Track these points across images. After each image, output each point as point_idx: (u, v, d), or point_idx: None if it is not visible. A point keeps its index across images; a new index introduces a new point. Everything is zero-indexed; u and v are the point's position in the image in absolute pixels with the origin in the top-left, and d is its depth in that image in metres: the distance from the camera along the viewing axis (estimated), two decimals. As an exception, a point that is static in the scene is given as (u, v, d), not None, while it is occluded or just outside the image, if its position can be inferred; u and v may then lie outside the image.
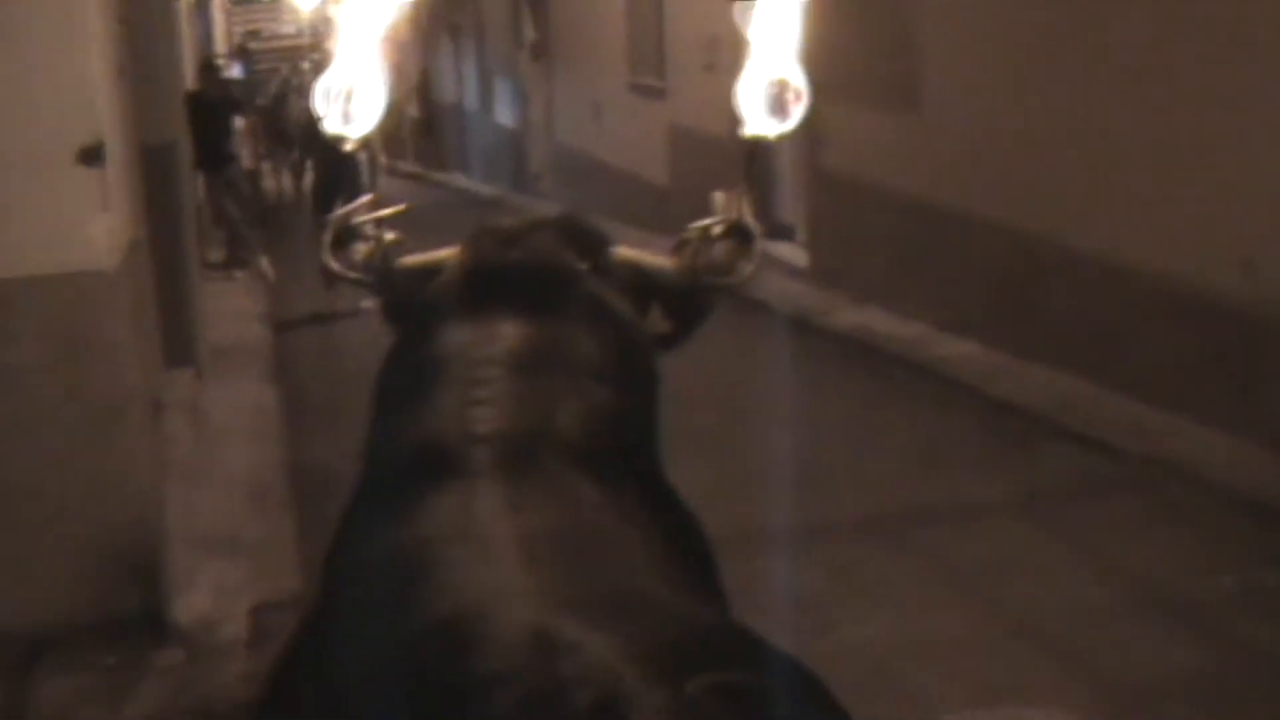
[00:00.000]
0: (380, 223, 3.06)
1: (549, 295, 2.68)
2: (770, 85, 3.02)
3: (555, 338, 2.60)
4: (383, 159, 27.23)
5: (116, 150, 5.90)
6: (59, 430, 5.37)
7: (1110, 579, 6.21)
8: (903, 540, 6.72)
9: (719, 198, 3.16)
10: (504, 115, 24.79)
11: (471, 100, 27.22)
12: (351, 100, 2.96)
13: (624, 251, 3.04)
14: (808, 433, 8.26)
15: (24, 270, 5.23)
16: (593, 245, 2.94)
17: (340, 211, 3.07)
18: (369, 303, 12.12)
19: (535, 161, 22.58)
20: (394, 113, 31.41)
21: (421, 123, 30.93)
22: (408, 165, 29.79)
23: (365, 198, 3.11)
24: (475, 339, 2.57)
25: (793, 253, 13.18)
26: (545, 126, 21.84)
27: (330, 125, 2.99)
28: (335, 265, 3.05)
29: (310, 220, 14.02)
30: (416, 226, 3.16)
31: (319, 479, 7.33)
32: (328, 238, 3.06)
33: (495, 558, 2.02)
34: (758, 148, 3.11)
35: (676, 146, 15.70)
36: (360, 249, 3.07)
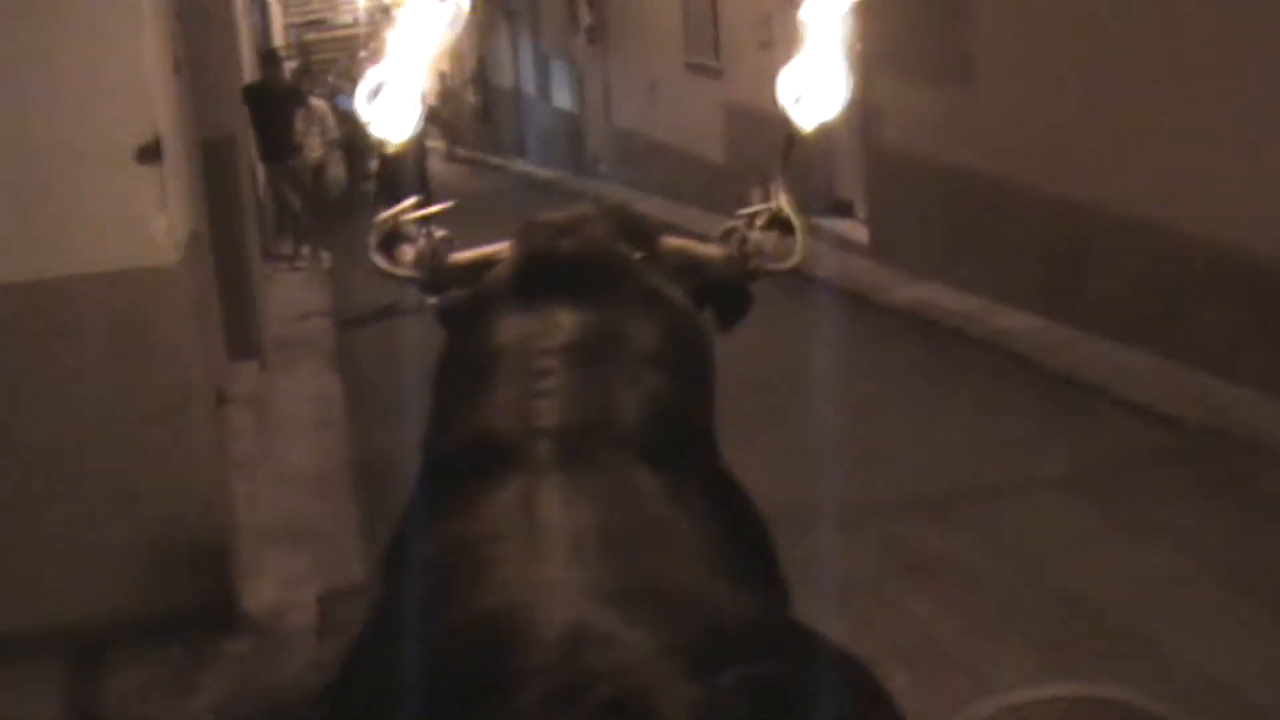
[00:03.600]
0: (427, 221, 3.10)
1: (604, 284, 2.68)
2: (808, 78, 3.05)
3: (612, 327, 2.60)
4: (440, 145, 27.30)
5: (174, 145, 5.96)
6: (125, 424, 5.43)
7: (1171, 552, 6.16)
8: (961, 515, 6.71)
9: (758, 192, 3.18)
10: (561, 99, 24.82)
11: (528, 84, 27.28)
12: (391, 101, 3.01)
13: (672, 241, 3.06)
14: (866, 408, 8.27)
15: (86, 267, 5.30)
16: (643, 234, 2.96)
17: (385, 214, 3.11)
18: (434, 298, 12.03)
19: (593, 144, 22.61)
20: (452, 99, 31.48)
21: (479, 108, 31.01)
22: (465, 151, 29.87)
23: (409, 200, 3.14)
24: (533, 330, 2.57)
25: (852, 229, 13.17)
26: (602, 109, 21.86)
27: (374, 127, 3.03)
28: (383, 264, 3.09)
29: (372, 211, 13.99)
30: (474, 212, 3.20)
31: (382, 470, 7.40)
32: (374, 239, 3.10)
33: (546, 553, 2.04)
34: (795, 139, 3.13)
35: (733, 125, 15.68)
36: (408, 248, 3.10)
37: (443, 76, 32.25)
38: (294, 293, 13.39)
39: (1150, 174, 8.72)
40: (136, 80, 5.37)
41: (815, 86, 3.05)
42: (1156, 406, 7.95)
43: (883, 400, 8.48)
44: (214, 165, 8.99)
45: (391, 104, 3.00)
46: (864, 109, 11.83)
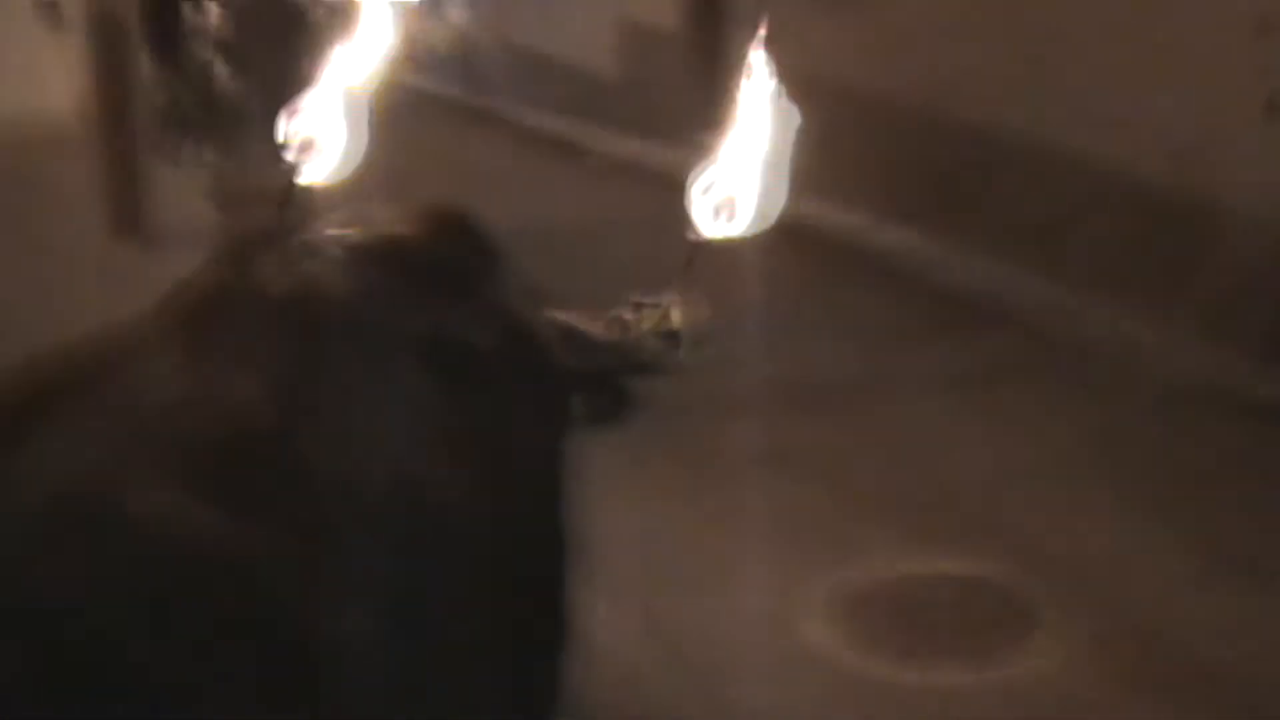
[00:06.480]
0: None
1: None
2: (719, 194, 2.59)
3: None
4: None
5: (72, 14, 5.92)
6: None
7: (1038, 450, 6.40)
8: (831, 410, 6.89)
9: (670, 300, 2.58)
10: (453, 13, 24.55)
11: (419, -2, 26.93)
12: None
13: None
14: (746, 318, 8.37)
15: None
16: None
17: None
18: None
19: (485, 60, 22.40)
20: (343, 14, 31.10)
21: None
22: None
23: None
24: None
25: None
26: (495, 24, 21.65)
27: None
28: None
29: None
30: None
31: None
32: None
33: None
34: (700, 251, 2.67)
35: (626, 42, 15.62)
36: None
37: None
38: (181, 179, 13.17)
39: (1031, 93, 8.86)
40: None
41: (742, 193, 2.61)
42: (1029, 321, 8.17)
43: (762, 311, 8.54)
44: (106, 47, 8.90)
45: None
46: (749, 25, 11.85)
